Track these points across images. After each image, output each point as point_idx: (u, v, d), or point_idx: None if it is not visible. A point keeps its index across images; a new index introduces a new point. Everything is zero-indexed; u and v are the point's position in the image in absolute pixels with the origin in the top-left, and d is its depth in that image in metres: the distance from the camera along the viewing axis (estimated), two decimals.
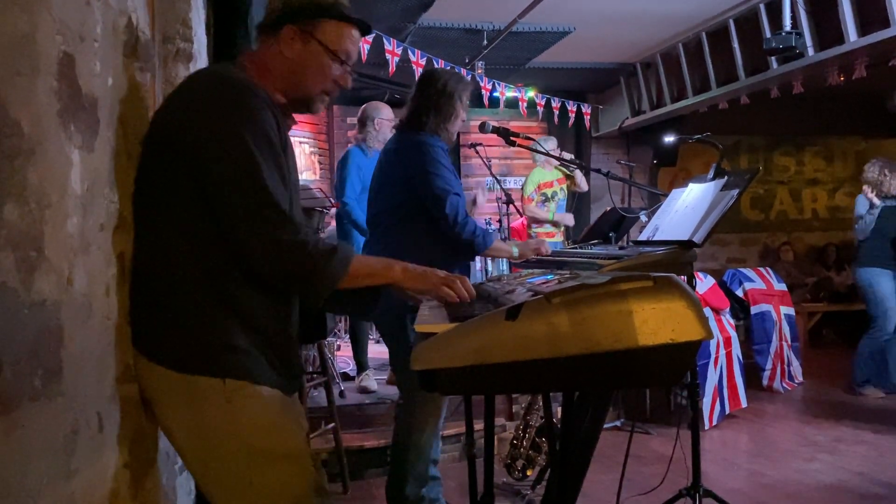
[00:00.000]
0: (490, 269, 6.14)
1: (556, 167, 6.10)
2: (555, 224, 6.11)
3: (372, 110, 4.64)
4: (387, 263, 1.70)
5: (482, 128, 3.29)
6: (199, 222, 1.54)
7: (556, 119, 7.66)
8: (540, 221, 6.10)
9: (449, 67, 5.80)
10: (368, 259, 1.68)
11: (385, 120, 4.59)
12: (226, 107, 1.53)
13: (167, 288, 1.54)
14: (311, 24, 1.66)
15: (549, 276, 1.75)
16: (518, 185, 8.02)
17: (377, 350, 5.64)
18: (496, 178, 5.10)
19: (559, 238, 6.16)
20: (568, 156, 6.18)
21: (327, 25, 1.67)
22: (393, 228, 2.95)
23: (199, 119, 1.53)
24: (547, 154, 4.29)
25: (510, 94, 7.03)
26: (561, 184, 6.21)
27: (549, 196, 6.15)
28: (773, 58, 5.63)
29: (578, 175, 6.18)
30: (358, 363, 4.76)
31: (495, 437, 3.36)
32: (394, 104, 7.45)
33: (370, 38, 5.10)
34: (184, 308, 1.54)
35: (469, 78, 3.45)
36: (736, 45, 6.10)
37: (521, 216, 6.25)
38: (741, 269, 6.28)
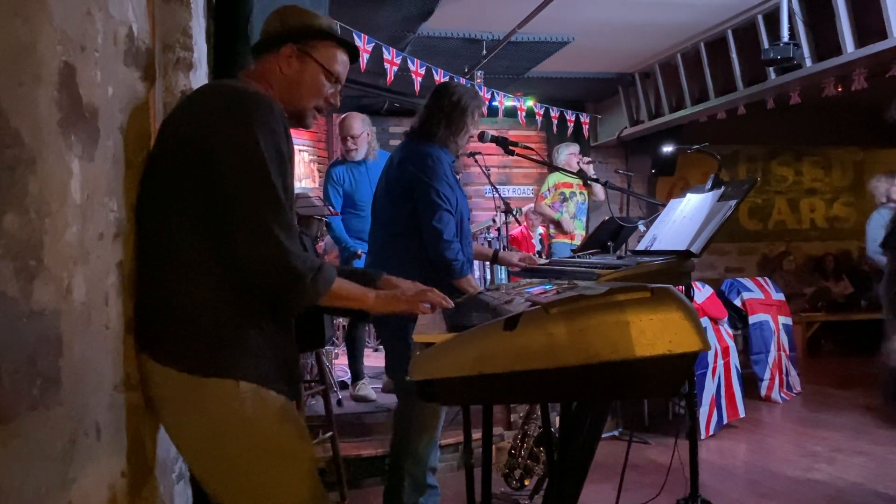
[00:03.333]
0: (489, 278, 6.15)
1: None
2: (564, 229, 6.17)
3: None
4: (362, 292, 1.76)
5: (481, 137, 3.30)
6: (209, 228, 1.57)
7: (554, 128, 7.68)
8: (555, 222, 6.20)
9: (449, 77, 5.83)
10: (348, 285, 1.72)
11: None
12: (242, 115, 1.58)
13: (178, 292, 1.57)
14: (309, 45, 1.77)
15: (547, 286, 1.75)
16: (519, 193, 8.09)
17: (372, 358, 5.64)
18: (494, 187, 5.11)
19: (577, 241, 6.20)
20: (587, 159, 6.25)
21: (323, 47, 1.79)
22: (387, 244, 2.95)
23: (215, 127, 1.57)
24: (545, 164, 4.30)
25: (509, 103, 7.05)
26: (581, 189, 6.27)
27: (567, 196, 6.23)
28: (770, 68, 5.66)
29: (596, 185, 6.25)
30: (353, 372, 4.75)
31: (493, 446, 3.36)
32: (392, 113, 7.50)
33: (370, 47, 5.12)
34: (195, 311, 1.57)
35: (481, 93, 3.46)
36: (734, 55, 6.12)
37: (520, 225, 6.27)
38: (739, 279, 6.29)
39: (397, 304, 1.78)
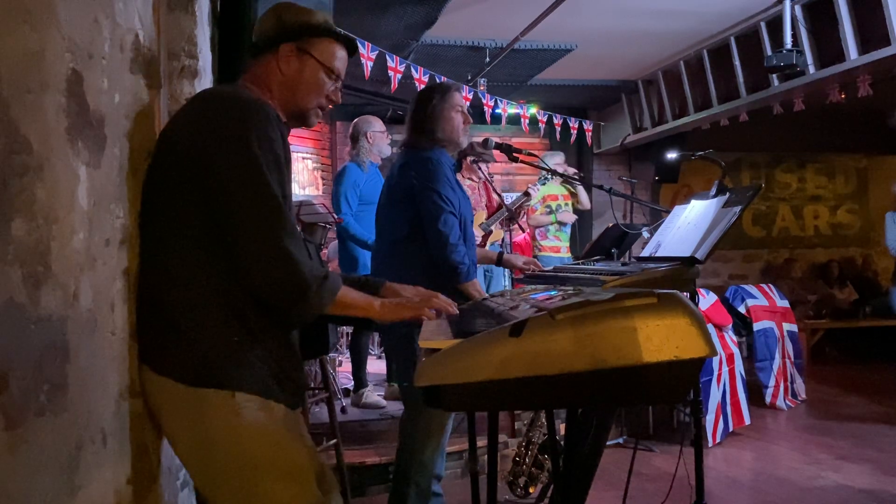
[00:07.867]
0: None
1: (561, 183, 6.18)
2: (560, 224, 6.17)
3: (363, 124, 4.67)
4: (368, 301, 1.73)
5: (485, 144, 3.31)
6: (207, 237, 1.56)
7: (557, 136, 7.69)
8: (545, 235, 6.17)
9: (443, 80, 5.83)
10: (354, 293, 1.71)
11: (378, 132, 4.63)
12: (236, 122, 1.57)
13: (176, 302, 1.56)
14: (307, 42, 1.75)
15: (552, 293, 1.75)
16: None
17: (376, 366, 5.63)
18: (498, 194, 5.11)
19: (565, 254, 6.20)
20: (571, 170, 6.22)
21: (321, 44, 1.77)
22: (390, 251, 2.95)
23: (210, 135, 1.56)
24: (549, 170, 4.31)
25: (512, 110, 7.06)
26: (566, 199, 6.28)
27: (554, 209, 6.23)
28: (774, 75, 5.66)
29: (581, 192, 6.26)
30: (356, 379, 4.75)
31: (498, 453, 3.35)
32: (396, 121, 7.52)
33: (373, 55, 5.14)
34: (193, 322, 1.55)
35: (457, 84, 3.42)
36: (737, 62, 6.13)
37: (524, 232, 6.27)
38: (743, 286, 6.28)
39: (403, 311, 1.75)
